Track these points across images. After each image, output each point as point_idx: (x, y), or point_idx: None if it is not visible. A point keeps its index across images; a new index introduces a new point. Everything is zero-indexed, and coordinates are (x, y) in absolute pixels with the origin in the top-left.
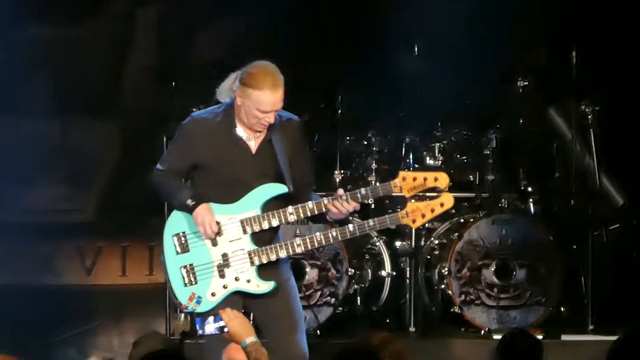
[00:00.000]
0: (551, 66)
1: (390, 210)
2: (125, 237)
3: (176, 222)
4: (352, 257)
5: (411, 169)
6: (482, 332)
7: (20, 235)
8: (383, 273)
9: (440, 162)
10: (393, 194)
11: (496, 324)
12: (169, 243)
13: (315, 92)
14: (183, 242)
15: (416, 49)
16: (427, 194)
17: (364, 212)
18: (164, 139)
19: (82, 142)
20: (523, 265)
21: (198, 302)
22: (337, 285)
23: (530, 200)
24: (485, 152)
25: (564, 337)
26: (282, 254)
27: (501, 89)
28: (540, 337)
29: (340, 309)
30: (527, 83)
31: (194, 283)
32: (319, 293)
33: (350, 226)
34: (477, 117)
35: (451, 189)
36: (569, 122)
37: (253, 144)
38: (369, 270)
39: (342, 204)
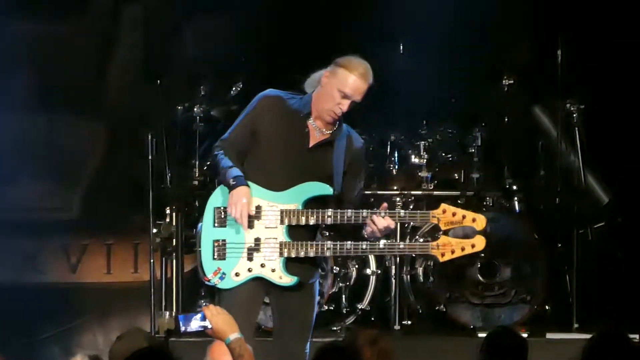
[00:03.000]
0: (536, 64)
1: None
2: (110, 235)
3: (221, 195)
4: (337, 256)
5: (396, 167)
6: (467, 330)
7: (4, 233)
8: (368, 271)
9: (425, 160)
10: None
11: (481, 322)
12: (209, 214)
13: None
14: (222, 216)
15: (401, 47)
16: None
17: None
18: (149, 136)
19: (67, 140)
20: (508, 263)
21: (221, 278)
22: (322, 284)
23: (515, 198)
24: (470, 150)
25: (549, 336)
26: (311, 253)
27: (486, 87)
28: (524, 335)
29: (325, 307)
30: (512, 81)
31: (221, 258)
32: None
33: (381, 243)
34: (462, 115)
35: (436, 187)
36: (554, 121)
37: (314, 139)
38: (354, 269)
39: (381, 218)
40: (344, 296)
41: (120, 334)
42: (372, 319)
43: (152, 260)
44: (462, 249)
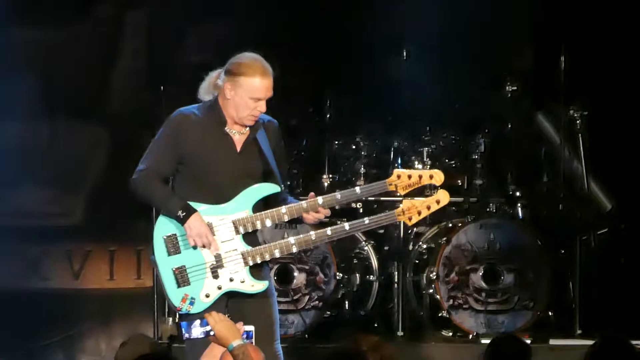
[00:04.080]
0: (540, 71)
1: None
2: (113, 241)
3: (166, 223)
4: (340, 262)
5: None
6: (470, 336)
7: (7, 239)
8: (371, 277)
9: (428, 166)
10: (387, 191)
11: (484, 328)
12: (160, 244)
13: (303, 97)
14: (174, 243)
15: (405, 53)
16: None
17: (352, 215)
18: None
19: (70, 146)
20: (511, 269)
21: (191, 304)
22: (325, 290)
23: (518, 204)
24: (474, 157)
25: (552, 342)
26: (277, 254)
27: (490, 93)
28: (528, 341)
29: (328, 313)
30: (515, 88)
31: (186, 284)
32: (306, 297)
33: (347, 225)
34: (465, 121)
35: None
36: (558, 127)
37: (238, 143)
38: (357, 275)
39: (314, 214)
40: (346, 302)
41: (124, 340)
42: (375, 325)
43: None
44: (428, 208)
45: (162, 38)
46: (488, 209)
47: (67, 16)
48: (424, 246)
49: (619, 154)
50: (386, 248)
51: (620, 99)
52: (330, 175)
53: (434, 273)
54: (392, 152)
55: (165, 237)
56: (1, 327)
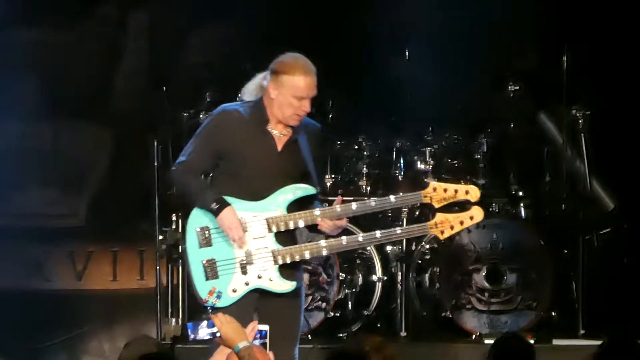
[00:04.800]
0: (542, 71)
1: (390, 219)
2: (116, 242)
3: (201, 215)
4: (343, 262)
5: (402, 173)
6: (473, 336)
7: (10, 239)
8: (374, 278)
9: (430, 166)
10: (422, 203)
11: (487, 328)
12: (192, 236)
13: None
14: (207, 236)
15: (407, 53)
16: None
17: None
18: (155, 143)
19: (73, 146)
20: (514, 269)
21: (218, 297)
22: (328, 290)
23: (521, 204)
24: (476, 157)
25: (555, 342)
26: (307, 255)
27: (492, 93)
28: (531, 341)
29: (331, 313)
30: (517, 87)
31: (214, 277)
32: (310, 297)
33: (378, 233)
34: (468, 121)
35: None
36: (560, 127)
37: (279, 142)
38: (360, 275)
39: (328, 221)
40: (350, 303)
41: (128, 341)
42: (378, 325)
43: (158, 267)
44: (461, 223)
45: (164, 38)
46: (491, 209)
47: (70, 17)
48: (427, 246)
49: (621, 154)
50: (389, 248)
51: (623, 98)
52: (333, 176)
53: (437, 273)
54: (394, 152)
55: (198, 229)
56: (4, 327)
